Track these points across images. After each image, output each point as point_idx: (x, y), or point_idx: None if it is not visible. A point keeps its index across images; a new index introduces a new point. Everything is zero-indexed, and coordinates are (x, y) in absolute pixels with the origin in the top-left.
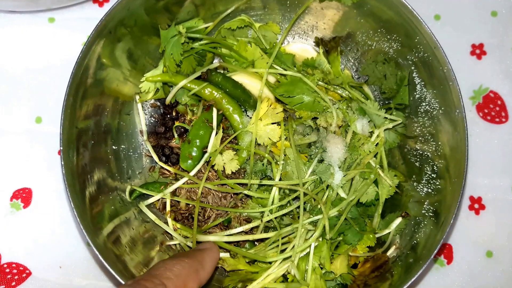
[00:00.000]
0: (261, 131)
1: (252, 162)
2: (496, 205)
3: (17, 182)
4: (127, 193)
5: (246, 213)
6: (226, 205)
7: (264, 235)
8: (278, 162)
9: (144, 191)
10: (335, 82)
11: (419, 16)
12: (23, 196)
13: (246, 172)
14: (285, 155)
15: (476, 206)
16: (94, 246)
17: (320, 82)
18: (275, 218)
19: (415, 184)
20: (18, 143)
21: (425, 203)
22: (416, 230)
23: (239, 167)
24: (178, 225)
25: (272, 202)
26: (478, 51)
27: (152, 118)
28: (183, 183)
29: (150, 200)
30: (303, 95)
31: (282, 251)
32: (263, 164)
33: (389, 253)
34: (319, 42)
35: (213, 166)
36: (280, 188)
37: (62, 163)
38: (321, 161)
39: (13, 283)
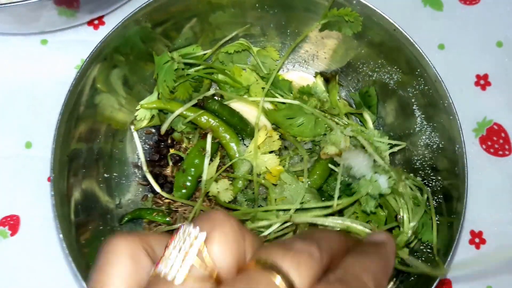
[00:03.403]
0: (258, 159)
1: (257, 191)
2: (497, 239)
3: (5, 209)
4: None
5: None
6: None
7: None
8: (278, 192)
9: (152, 218)
10: (332, 112)
11: (420, 48)
12: (11, 223)
13: (237, 201)
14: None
15: (477, 240)
16: (80, 277)
17: (316, 110)
18: None
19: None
20: (6, 168)
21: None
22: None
23: (233, 198)
24: None
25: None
26: (482, 81)
27: (146, 145)
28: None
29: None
30: (302, 117)
31: None
32: (253, 193)
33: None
34: (318, 74)
35: (207, 195)
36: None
37: (52, 193)
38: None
39: None
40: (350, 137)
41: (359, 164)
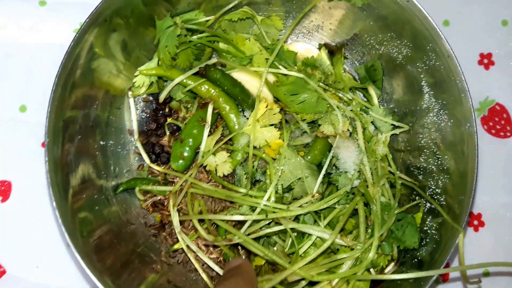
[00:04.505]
0: (258, 133)
1: (251, 165)
2: (495, 222)
3: None
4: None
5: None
6: (212, 208)
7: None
8: (278, 167)
9: (150, 189)
10: (337, 86)
11: (434, 22)
12: (2, 189)
13: (235, 174)
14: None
15: (476, 222)
16: (74, 247)
17: (320, 83)
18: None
19: (416, 198)
20: None
21: (428, 219)
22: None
23: (231, 171)
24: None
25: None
26: (486, 60)
27: (144, 114)
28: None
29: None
30: (305, 94)
31: None
32: (253, 167)
33: (387, 270)
34: (322, 46)
35: (205, 167)
36: (276, 191)
37: (47, 159)
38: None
39: None
40: (350, 118)
41: (347, 157)
